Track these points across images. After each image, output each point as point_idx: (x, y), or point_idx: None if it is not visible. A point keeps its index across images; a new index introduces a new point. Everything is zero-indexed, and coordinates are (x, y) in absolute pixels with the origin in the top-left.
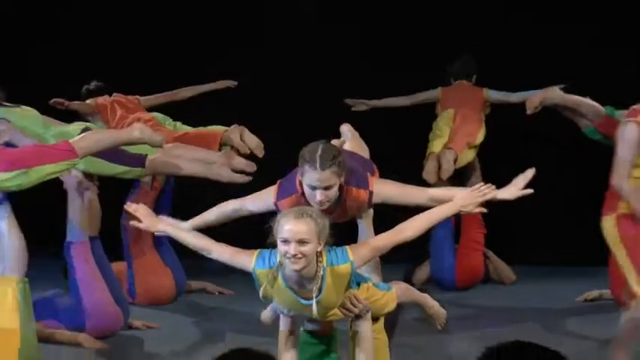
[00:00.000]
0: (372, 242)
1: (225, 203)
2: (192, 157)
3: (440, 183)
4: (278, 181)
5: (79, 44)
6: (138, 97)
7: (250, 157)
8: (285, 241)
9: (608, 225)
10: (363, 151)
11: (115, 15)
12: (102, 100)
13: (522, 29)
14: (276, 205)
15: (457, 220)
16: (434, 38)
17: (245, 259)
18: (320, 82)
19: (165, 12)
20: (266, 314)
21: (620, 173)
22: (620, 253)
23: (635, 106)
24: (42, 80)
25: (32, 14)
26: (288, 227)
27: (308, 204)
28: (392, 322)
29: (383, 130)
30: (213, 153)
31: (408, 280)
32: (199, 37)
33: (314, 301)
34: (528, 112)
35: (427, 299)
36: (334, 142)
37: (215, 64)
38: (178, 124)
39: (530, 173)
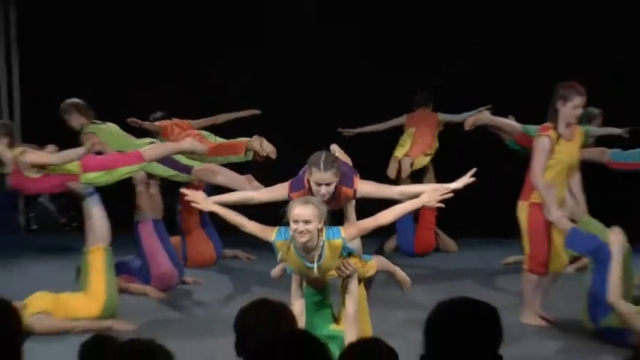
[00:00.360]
0: (359, 224)
1: (245, 192)
2: (225, 174)
3: (402, 180)
4: (290, 180)
5: (79, 44)
6: (190, 121)
7: (266, 158)
8: (295, 221)
9: (521, 209)
10: (348, 162)
11: (115, 15)
12: (164, 122)
13: (522, 29)
14: (289, 196)
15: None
16: (434, 38)
17: (268, 233)
18: (319, 82)
19: (165, 12)
20: (275, 271)
21: (537, 173)
22: (524, 232)
23: (546, 124)
24: (42, 81)
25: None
26: (297, 211)
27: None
28: (369, 280)
29: (367, 144)
30: (239, 175)
31: (380, 248)
32: (199, 37)
33: (315, 265)
34: (466, 128)
35: (397, 270)
36: (332, 147)
37: (215, 64)
38: (218, 138)
39: (472, 171)
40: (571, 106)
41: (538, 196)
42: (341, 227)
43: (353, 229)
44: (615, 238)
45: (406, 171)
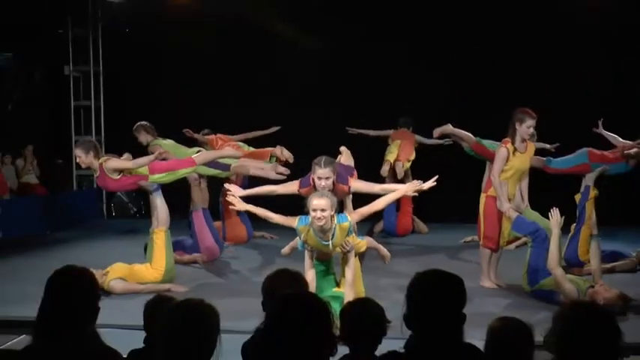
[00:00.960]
0: (359, 211)
1: (269, 187)
2: (256, 166)
3: (389, 179)
4: (299, 179)
5: (148, 79)
6: (230, 135)
7: (285, 162)
8: (314, 210)
9: (481, 199)
10: (350, 161)
11: (174, 57)
12: (210, 136)
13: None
14: (299, 191)
15: (397, 199)
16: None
17: (291, 222)
18: (326, 103)
19: (214, 60)
20: (285, 250)
21: (495, 174)
22: (481, 217)
23: (505, 139)
24: (120, 106)
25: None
26: (315, 202)
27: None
28: (362, 255)
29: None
30: (267, 164)
31: (371, 230)
32: (239, 70)
33: (330, 242)
34: (434, 137)
35: (381, 247)
36: (341, 149)
37: (248, 94)
38: (250, 147)
39: (435, 177)
40: (525, 126)
41: (493, 191)
42: (347, 214)
43: (355, 215)
44: (554, 219)
45: (400, 173)
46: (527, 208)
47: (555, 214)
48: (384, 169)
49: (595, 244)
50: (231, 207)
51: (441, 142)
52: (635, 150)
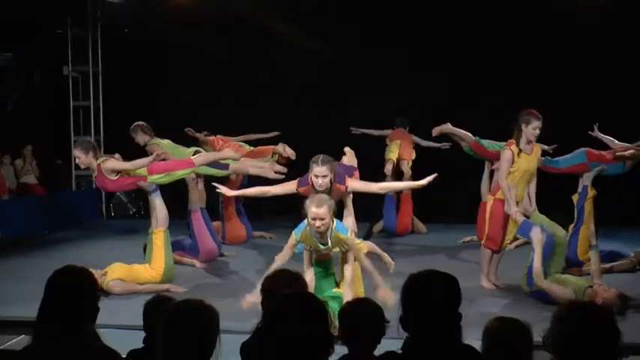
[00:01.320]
0: (357, 246)
1: (263, 187)
2: (254, 164)
3: (390, 178)
4: (297, 179)
5: (146, 79)
6: (229, 137)
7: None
8: (314, 218)
9: (489, 201)
10: (353, 162)
11: (172, 59)
12: (210, 137)
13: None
14: (297, 190)
15: (398, 199)
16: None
17: (290, 242)
18: (328, 105)
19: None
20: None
21: (502, 177)
22: (487, 218)
23: (510, 140)
24: (119, 106)
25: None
26: (314, 210)
27: (315, 191)
28: None
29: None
30: (266, 162)
31: (370, 229)
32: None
33: (328, 245)
34: (433, 135)
35: (384, 254)
36: (345, 149)
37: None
38: (251, 147)
39: (434, 175)
40: (531, 128)
41: (502, 194)
42: (348, 229)
43: (361, 245)
44: (537, 238)
45: (407, 172)
46: (535, 211)
47: (537, 232)
48: (388, 168)
49: (594, 254)
50: (217, 189)
51: (437, 145)
52: (630, 152)
